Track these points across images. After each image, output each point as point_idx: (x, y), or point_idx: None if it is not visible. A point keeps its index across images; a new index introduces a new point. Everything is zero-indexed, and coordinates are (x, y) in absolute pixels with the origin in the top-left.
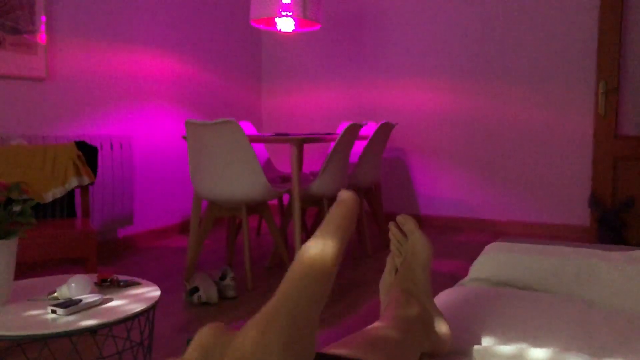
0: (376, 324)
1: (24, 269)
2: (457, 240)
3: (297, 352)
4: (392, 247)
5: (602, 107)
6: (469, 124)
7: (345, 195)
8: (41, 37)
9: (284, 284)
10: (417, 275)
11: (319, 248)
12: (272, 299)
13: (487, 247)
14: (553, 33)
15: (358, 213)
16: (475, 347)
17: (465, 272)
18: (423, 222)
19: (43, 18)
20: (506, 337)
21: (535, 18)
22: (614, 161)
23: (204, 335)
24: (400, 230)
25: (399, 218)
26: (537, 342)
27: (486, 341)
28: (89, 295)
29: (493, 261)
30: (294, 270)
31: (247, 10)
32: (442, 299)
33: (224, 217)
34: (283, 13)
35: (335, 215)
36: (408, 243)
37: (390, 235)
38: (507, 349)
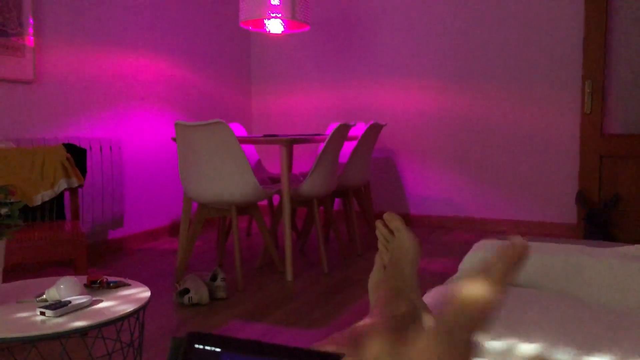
0: (364, 321)
1: (14, 271)
2: (447, 239)
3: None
4: (380, 245)
5: (588, 106)
6: (457, 123)
7: (518, 241)
8: (29, 39)
9: (449, 316)
10: (404, 272)
11: (482, 292)
12: (439, 324)
13: (476, 245)
14: (539, 33)
15: (524, 260)
16: None
17: (454, 271)
18: (412, 222)
19: (31, 20)
20: (496, 332)
21: (521, 18)
22: (600, 159)
23: (376, 343)
24: (388, 228)
25: (385, 216)
26: (526, 338)
27: (476, 337)
28: (78, 296)
29: (481, 258)
30: (459, 305)
31: (236, 12)
32: (432, 296)
33: (214, 218)
34: (272, 15)
35: (505, 260)
36: (395, 241)
37: (378, 234)
38: (497, 344)
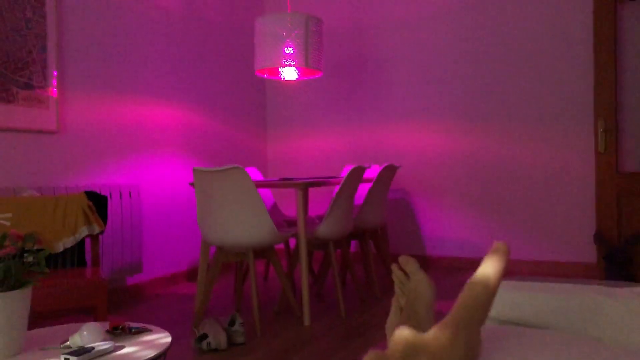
0: None
1: (35, 318)
2: (464, 281)
3: (472, 347)
4: (396, 288)
5: (602, 144)
6: (472, 164)
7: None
8: (52, 91)
9: (462, 304)
10: (421, 315)
11: (485, 277)
12: (452, 314)
13: None
14: (550, 73)
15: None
16: None
17: None
18: (429, 263)
19: (54, 72)
20: None
21: (531, 59)
22: (618, 197)
23: (404, 335)
24: (403, 271)
25: (400, 259)
26: None
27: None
28: (101, 343)
29: (499, 300)
30: (467, 297)
31: (251, 61)
32: None
33: (231, 262)
34: (286, 63)
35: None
36: (411, 284)
37: (394, 277)
38: None
